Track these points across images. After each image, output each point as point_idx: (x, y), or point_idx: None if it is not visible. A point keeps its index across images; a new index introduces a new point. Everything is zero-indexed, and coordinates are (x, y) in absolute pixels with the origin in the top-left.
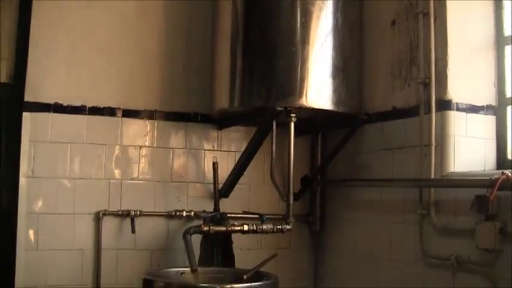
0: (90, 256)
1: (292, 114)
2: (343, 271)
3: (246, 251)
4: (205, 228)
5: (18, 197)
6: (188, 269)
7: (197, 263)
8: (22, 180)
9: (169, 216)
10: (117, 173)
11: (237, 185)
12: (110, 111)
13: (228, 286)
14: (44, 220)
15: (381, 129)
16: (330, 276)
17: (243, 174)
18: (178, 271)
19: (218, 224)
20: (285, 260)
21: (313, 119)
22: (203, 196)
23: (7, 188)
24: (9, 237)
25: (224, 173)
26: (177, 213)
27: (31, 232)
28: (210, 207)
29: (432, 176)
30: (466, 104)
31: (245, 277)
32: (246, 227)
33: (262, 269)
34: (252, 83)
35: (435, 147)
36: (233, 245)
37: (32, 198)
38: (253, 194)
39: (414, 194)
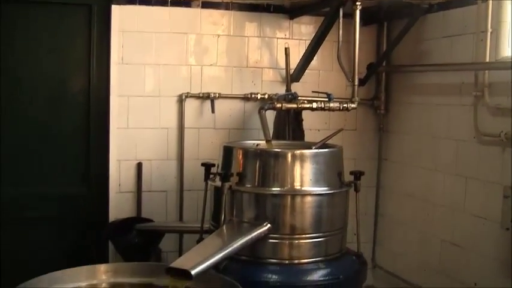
0: (175, 134)
1: (357, 2)
2: (405, 150)
3: (314, 131)
4: (278, 105)
5: (110, 81)
6: (263, 141)
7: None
8: (113, 67)
9: (245, 98)
10: (197, 59)
11: (306, 71)
12: (189, 3)
13: (298, 151)
14: (133, 102)
15: (441, 17)
16: (392, 155)
17: (312, 59)
18: (254, 143)
19: (290, 102)
20: (351, 140)
21: (377, 8)
22: (276, 81)
23: (100, 73)
24: (104, 117)
25: (295, 59)
26: (252, 96)
27: (122, 113)
28: (282, 90)
29: (487, 60)
30: None
31: (313, 147)
32: (315, 105)
33: (328, 142)
34: None
35: (491, 33)
36: (303, 123)
37: (122, 82)
38: (322, 79)
39: (470, 77)
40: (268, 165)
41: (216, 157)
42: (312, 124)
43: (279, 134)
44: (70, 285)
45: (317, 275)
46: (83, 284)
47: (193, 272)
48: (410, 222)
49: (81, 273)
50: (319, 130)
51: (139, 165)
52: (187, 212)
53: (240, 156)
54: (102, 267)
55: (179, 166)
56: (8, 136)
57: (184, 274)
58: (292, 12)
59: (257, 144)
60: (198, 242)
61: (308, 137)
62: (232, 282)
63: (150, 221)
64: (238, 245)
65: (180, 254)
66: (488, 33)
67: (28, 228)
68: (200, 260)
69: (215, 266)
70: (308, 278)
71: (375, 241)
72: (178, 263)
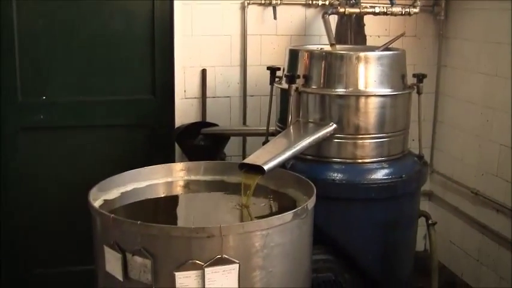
0: (237, 41)
1: None
2: (465, 56)
3: (374, 38)
4: (342, 10)
5: None
6: (326, 45)
7: None
8: None
9: (306, 5)
10: None
11: None
12: None
13: (363, 53)
14: (197, 9)
15: None
16: (452, 61)
17: None
18: (318, 46)
19: (352, 6)
20: (411, 46)
21: None
22: None
23: None
24: (168, 25)
25: None
26: (313, 2)
27: (186, 20)
28: None
29: None
30: None
31: (377, 50)
32: (377, 9)
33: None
34: None
35: None
36: (364, 28)
37: None
38: None
39: None
40: (333, 67)
41: (277, 63)
42: (372, 30)
43: (341, 39)
44: (147, 183)
45: (380, 174)
46: (160, 181)
47: (266, 167)
48: (469, 128)
49: (157, 171)
50: (379, 36)
51: (203, 72)
52: (251, 117)
53: (306, 58)
54: (177, 166)
55: (242, 72)
56: (76, 45)
57: (256, 170)
58: None
59: (321, 48)
60: (264, 143)
61: (368, 42)
62: (302, 178)
63: (215, 125)
64: (305, 144)
65: (244, 157)
66: None
67: (97, 135)
68: (271, 157)
69: (282, 165)
70: (372, 177)
71: (433, 146)
72: (251, 159)
